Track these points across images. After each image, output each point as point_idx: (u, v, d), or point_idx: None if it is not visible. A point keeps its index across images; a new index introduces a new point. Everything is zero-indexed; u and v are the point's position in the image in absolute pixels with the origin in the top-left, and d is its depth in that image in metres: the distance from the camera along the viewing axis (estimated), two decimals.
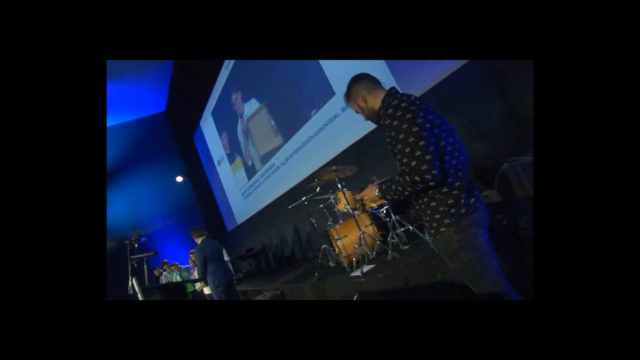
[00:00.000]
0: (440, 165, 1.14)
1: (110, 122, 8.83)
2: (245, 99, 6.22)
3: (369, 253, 3.11)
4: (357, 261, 3.13)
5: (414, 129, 1.12)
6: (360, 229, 3.06)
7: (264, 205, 6.58)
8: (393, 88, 1.30)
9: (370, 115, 1.35)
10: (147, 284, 2.73)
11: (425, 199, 1.22)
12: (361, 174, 3.41)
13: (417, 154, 1.11)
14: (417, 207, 1.28)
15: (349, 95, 1.36)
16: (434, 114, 1.20)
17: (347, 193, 3.17)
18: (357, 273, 2.87)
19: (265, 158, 6.19)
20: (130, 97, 8.23)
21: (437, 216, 1.20)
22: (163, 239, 8.53)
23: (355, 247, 3.20)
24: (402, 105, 1.15)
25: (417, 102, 1.19)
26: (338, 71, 4.17)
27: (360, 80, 1.34)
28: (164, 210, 8.88)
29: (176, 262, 6.50)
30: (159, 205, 8.86)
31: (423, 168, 1.10)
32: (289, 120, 5.29)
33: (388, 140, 1.21)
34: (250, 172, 6.86)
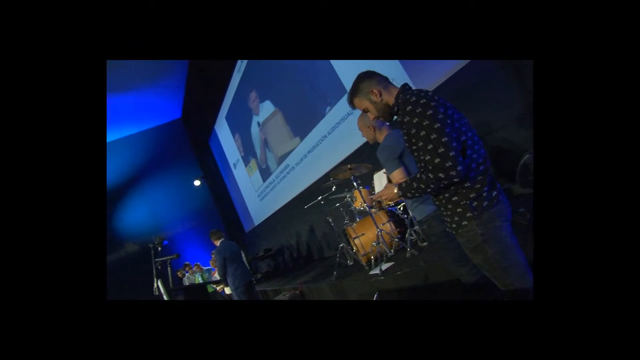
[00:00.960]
0: (463, 160, 1.12)
1: (130, 131, 9.14)
2: (261, 99, 6.28)
3: (387, 251, 3.09)
4: (376, 259, 3.11)
5: (435, 125, 1.09)
6: (377, 227, 3.05)
7: (281, 206, 6.64)
8: (406, 84, 1.28)
9: (383, 111, 1.33)
10: (171, 285, 2.81)
11: (447, 194, 1.19)
12: (377, 171, 3.40)
13: (440, 150, 1.09)
14: (437, 203, 1.26)
15: (358, 91, 1.34)
16: (452, 109, 1.17)
17: (363, 191, 3.16)
18: (376, 271, 2.86)
19: (280, 159, 6.25)
20: (147, 106, 8.49)
21: (459, 210, 1.17)
22: (184, 242, 8.76)
23: (373, 245, 3.19)
24: (422, 101, 1.13)
25: (436, 98, 1.16)
26: (349, 69, 4.16)
27: (372, 76, 1.33)
28: (184, 214, 9.12)
29: (198, 263, 6.66)
30: (178, 209, 9.11)
31: (447, 165, 1.08)
32: (303, 120, 5.32)
33: (406, 137, 1.19)
34: (266, 173, 6.95)
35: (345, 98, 4.29)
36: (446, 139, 1.09)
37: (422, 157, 1.14)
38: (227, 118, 7.86)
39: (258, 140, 6.78)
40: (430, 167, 1.12)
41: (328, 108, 4.66)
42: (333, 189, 3.60)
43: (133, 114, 8.44)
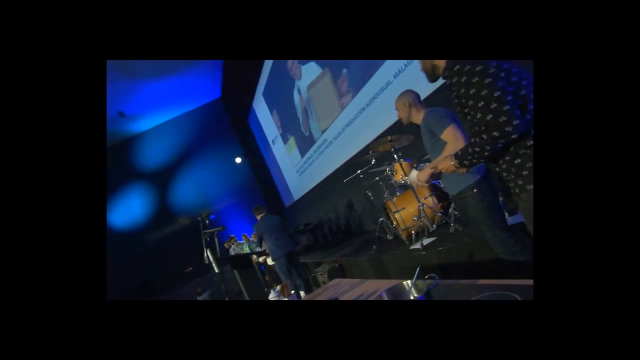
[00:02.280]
0: (522, 115, 1.01)
1: (174, 113, 9.63)
2: (302, 61, 6.07)
3: (429, 225, 2.99)
4: (417, 234, 3.03)
5: (486, 81, 1.01)
6: (419, 201, 2.94)
7: (319, 181, 6.69)
8: None
9: (429, 69, 1.27)
10: (218, 255, 3.01)
11: (507, 157, 1.08)
12: (419, 143, 3.23)
13: (492, 106, 1.00)
14: (497, 169, 1.16)
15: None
16: (509, 63, 1.06)
17: (404, 164, 3.04)
18: (417, 246, 2.79)
19: (325, 128, 6.13)
20: (188, 89, 8.82)
21: (524, 173, 1.06)
22: (229, 216, 9.29)
23: (414, 220, 3.10)
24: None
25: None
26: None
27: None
28: (228, 190, 9.61)
29: (246, 234, 7.04)
30: (223, 186, 9.61)
31: (502, 120, 0.99)
32: (340, 92, 5.17)
33: (456, 101, 1.11)
34: (308, 143, 6.84)
35: (384, 67, 4.07)
36: (498, 93, 1.00)
37: (474, 118, 1.06)
38: (264, 95, 7.91)
39: (300, 108, 6.64)
40: (483, 127, 1.03)
41: (365, 80, 4.46)
42: (372, 162, 3.51)
43: (177, 97, 8.83)
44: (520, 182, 1.09)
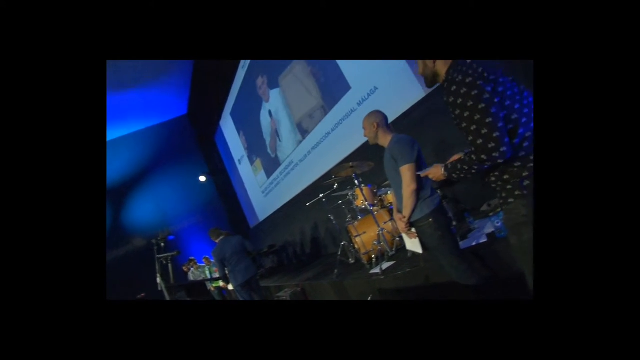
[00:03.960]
0: (512, 139, 1.09)
1: (136, 127, 9.22)
2: (270, 86, 6.14)
3: (388, 250, 3.07)
4: (377, 258, 3.09)
5: (480, 106, 1.07)
6: (379, 226, 3.02)
7: (284, 203, 6.65)
8: (459, 60, 1.24)
9: (430, 77, 1.32)
10: (172, 281, 2.84)
11: (497, 173, 1.17)
12: (379, 169, 3.37)
13: (483, 131, 1.07)
14: (486, 180, 1.24)
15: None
16: (504, 85, 1.12)
17: (365, 189, 3.13)
18: (377, 270, 2.83)
19: (286, 154, 6.21)
20: (154, 102, 8.55)
21: (508, 187, 1.15)
22: (190, 237, 8.85)
23: (374, 244, 3.17)
24: (467, 80, 1.10)
25: (485, 75, 1.11)
26: (354, 66, 4.11)
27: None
28: (190, 209, 9.21)
29: (207, 257, 6.70)
30: (184, 205, 9.19)
31: (490, 146, 1.06)
32: (307, 116, 5.29)
33: (452, 116, 1.19)
34: (271, 169, 6.92)
35: (349, 94, 4.25)
36: (490, 119, 1.06)
37: (466, 138, 1.13)
38: (232, 114, 7.86)
39: (269, 130, 6.65)
40: (473, 149, 1.11)
41: (331, 105, 4.62)
42: (335, 186, 3.58)
43: (139, 110, 8.51)
44: (504, 194, 1.17)
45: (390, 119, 2.48)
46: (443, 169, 1.28)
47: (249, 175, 8.06)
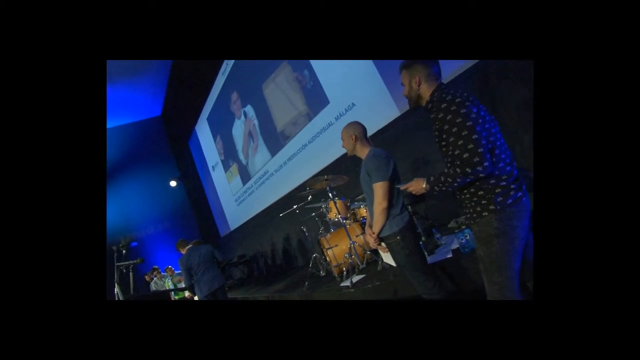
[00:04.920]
0: (491, 158, 1.20)
1: (106, 124, 8.78)
2: (243, 103, 6.22)
3: (359, 263, 3.09)
4: (347, 271, 3.11)
5: (467, 123, 1.17)
6: (350, 239, 3.05)
7: (257, 212, 6.54)
8: (443, 83, 1.36)
9: (414, 98, 1.39)
10: (132, 292, 2.68)
11: (472, 189, 1.26)
12: (353, 183, 3.42)
13: (469, 146, 1.17)
14: (461, 196, 1.32)
15: (409, 68, 1.38)
16: (484, 111, 1.26)
17: (339, 202, 3.16)
18: (347, 283, 2.84)
19: (262, 163, 6.17)
20: (126, 100, 8.22)
21: (483, 202, 1.24)
22: (155, 244, 8.44)
23: (345, 257, 3.18)
24: (457, 100, 1.21)
25: (471, 98, 1.25)
26: (332, 80, 4.20)
27: (425, 63, 1.36)
28: (157, 215, 8.81)
29: (170, 267, 6.40)
30: (151, 210, 8.79)
31: (475, 160, 1.16)
32: (286, 128, 5.30)
33: (436, 133, 1.28)
34: (245, 177, 6.83)
35: (328, 108, 4.33)
36: (476, 136, 1.16)
37: (451, 152, 1.22)
38: (209, 119, 7.72)
39: (241, 142, 6.63)
40: (458, 162, 1.20)
41: (309, 118, 4.67)
42: (309, 198, 3.59)
43: (110, 107, 8.12)
44: (478, 208, 1.25)
45: (370, 133, 2.50)
46: (425, 182, 1.35)
47: (223, 182, 7.88)
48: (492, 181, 1.22)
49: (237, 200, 7.46)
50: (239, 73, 6.07)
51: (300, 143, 4.95)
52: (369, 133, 1.99)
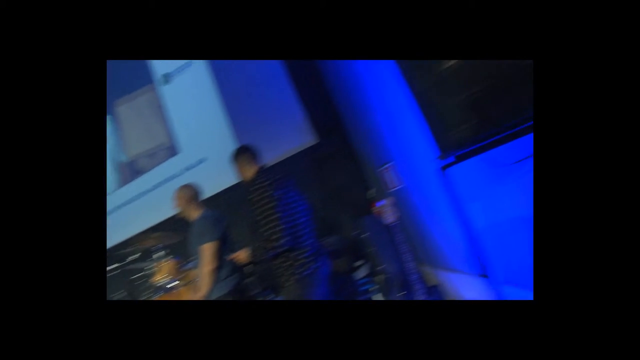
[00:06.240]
0: (292, 234, 1.46)
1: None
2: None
3: None
4: None
5: (269, 205, 1.44)
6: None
7: None
8: (263, 166, 1.66)
9: (246, 180, 1.66)
10: None
11: (280, 260, 1.52)
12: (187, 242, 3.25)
13: (270, 225, 1.42)
14: (276, 263, 1.55)
15: (240, 159, 1.68)
16: (292, 192, 1.55)
17: (170, 262, 2.92)
18: None
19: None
20: None
21: (288, 271, 1.49)
22: None
23: None
24: (265, 183, 1.47)
25: (280, 182, 1.51)
26: (186, 131, 4.10)
27: (247, 151, 1.69)
28: None
29: None
30: None
31: (274, 237, 1.41)
32: (146, 155, 4.63)
33: (252, 209, 1.52)
34: None
35: (175, 158, 4.11)
36: (276, 215, 1.42)
37: (260, 229, 1.46)
38: None
39: None
40: (262, 239, 1.45)
41: (154, 164, 4.31)
42: (135, 256, 3.16)
43: None
44: (284, 277, 1.50)
45: (212, 193, 2.54)
46: (249, 252, 1.57)
47: None
48: (294, 254, 1.49)
49: None
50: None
51: (136, 190, 4.40)
52: (218, 190, 2.09)
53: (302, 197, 1.64)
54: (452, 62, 1.27)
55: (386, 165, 2.06)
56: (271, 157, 3.27)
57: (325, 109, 3.20)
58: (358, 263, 2.70)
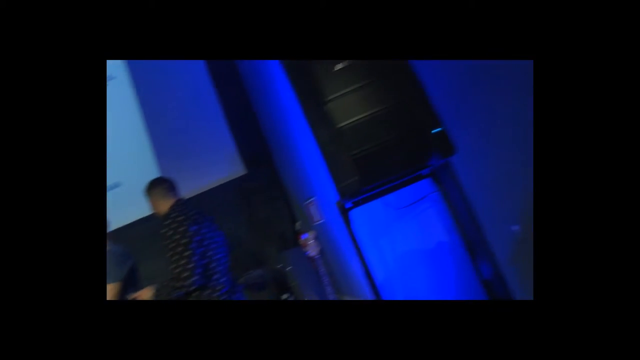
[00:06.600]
0: (205, 272, 1.38)
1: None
2: None
3: None
4: None
5: (182, 241, 1.34)
6: None
7: None
8: (179, 200, 1.53)
9: (160, 212, 1.53)
10: None
11: (195, 295, 1.41)
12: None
13: (181, 262, 1.32)
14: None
15: (153, 192, 1.55)
16: (208, 228, 1.46)
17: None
18: None
19: None
20: None
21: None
22: None
23: None
24: (179, 218, 1.38)
25: (195, 217, 1.43)
26: (123, 164, 3.55)
27: (162, 184, 1.56)
28: None
29: None
30: None
31: (184, 275, 1.31)
32: None
33: (165, 245, 1.39)
34: None
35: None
36: (189, 252, 1.33)
37: (170, 266, 1.36)
38: None
39: None
40: (172, 276, 1.34)
41: None
42: None
43: None
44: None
45: (124, 223, 2.35)
46: (153, 291, 1.44)
47: None
48: (208, 292, 1.40)
49: None
50: None
51: None
52: (133, 218, 1.93)
53: (220, 232, 1.54)
54: (355, 117, 1.39)
55: (310, 200, 2.17)
56: (196, 186, 2.98)
57: (255, 140, 3.13)
58: (284, 296, 2.70)
